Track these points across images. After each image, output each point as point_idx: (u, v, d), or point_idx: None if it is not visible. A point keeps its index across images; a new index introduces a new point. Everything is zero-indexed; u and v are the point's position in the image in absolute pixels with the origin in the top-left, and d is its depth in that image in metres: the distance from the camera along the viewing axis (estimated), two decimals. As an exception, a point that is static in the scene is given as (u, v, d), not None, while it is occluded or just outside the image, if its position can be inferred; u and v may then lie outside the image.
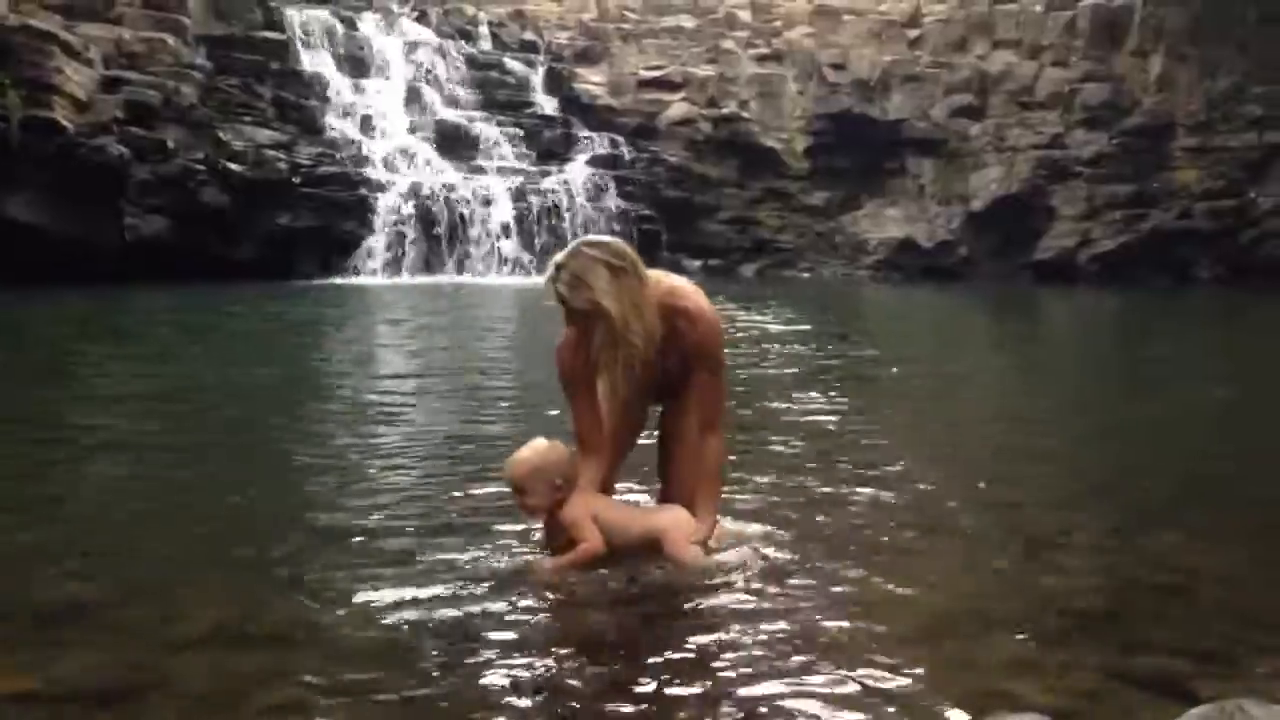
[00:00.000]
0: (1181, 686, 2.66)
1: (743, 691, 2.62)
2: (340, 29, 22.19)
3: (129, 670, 2.74)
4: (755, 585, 3.34)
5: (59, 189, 16.52)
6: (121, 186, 17.13)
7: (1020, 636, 3.00)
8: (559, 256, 3.51)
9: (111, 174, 16.95)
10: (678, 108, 23.58)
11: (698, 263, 22.64)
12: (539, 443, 3.57)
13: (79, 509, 4.32)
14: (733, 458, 4.88)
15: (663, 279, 3.65)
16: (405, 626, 3.01)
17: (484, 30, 24.32)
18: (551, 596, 3.29)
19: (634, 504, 3.88)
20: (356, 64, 21.96)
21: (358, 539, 3.78)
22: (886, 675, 2.71)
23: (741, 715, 2.51)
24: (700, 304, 3.63)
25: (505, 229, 20.22)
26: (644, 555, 3.48)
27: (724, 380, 3.74)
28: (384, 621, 3.04)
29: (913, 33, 23.89)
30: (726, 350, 3.82)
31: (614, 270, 3.46)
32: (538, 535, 3.69)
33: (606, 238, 3.67)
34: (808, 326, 12.15)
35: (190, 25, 19.47)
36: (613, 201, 21.54)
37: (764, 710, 2.53)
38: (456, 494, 4.36)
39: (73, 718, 2.52)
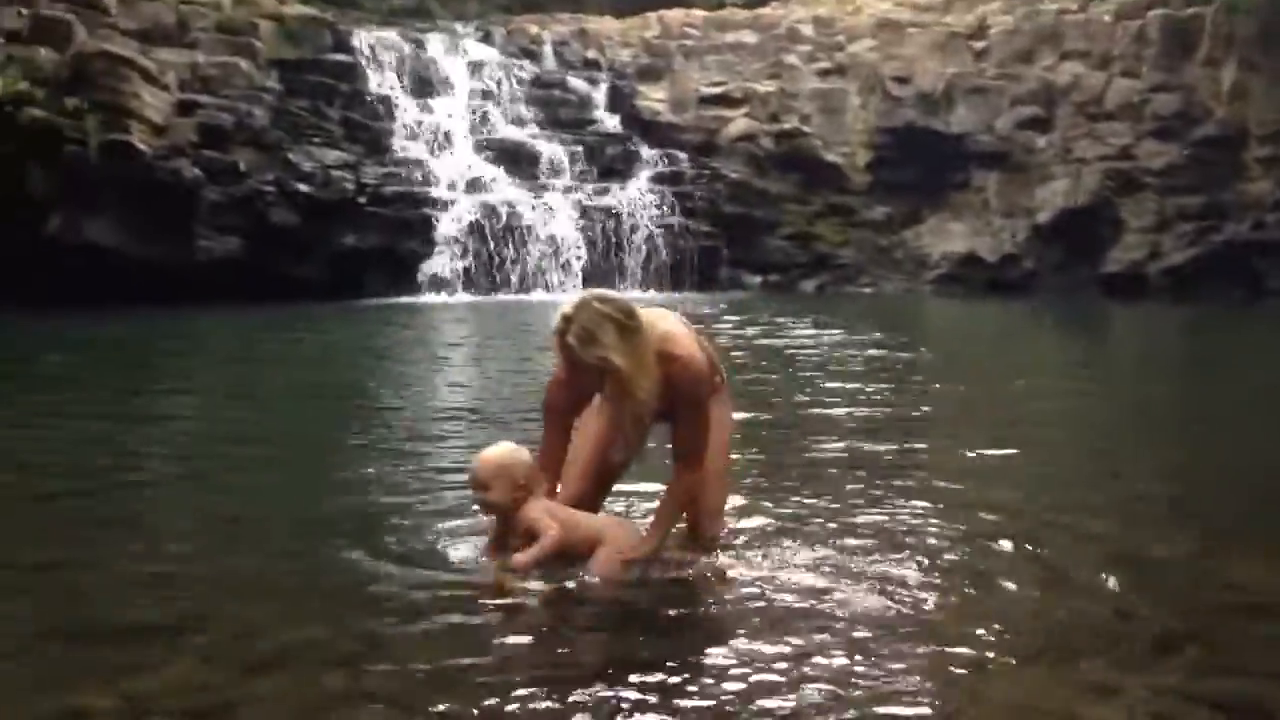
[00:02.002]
0: (1263, 709, 2.64)
1: None
2: (407, 50, 22.53)
3: (207, 689, 2.82)
4: (808, 613, 3.34)
5: (135, 211, 16.94)
6: (195, 208, 17.53)
7: (1099, 660, 2.98)
8: (566, 308, 3.64)
9: (186, 196, 17.36)
10: (739, 123, 23.58)
11: (758, 279, 22.59)
12: (505, 444, 3.81)
13: (148, 531, 4.43)
14: (786, 482, 4.90)
15: (656, 324, 3.76)
16: (483, 642, 3.06)
17: (547, 50, 24.53)
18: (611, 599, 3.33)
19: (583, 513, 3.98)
20: (422, 84, 22.25)
21: (426, 557, 3.84)
22: (962, 703, 2.70)
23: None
24: (691, 351, 3.79)
25: (567, 246, 20.37)
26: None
27: (704, 420, 3.81)
28: (461, 638, 3.10)
29: (978, 44, 23.68)
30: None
31: (623, 329, 3.59)
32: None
33: (614, 294, 3.78)
34: (883, 351, 12.06)
35: (262, 49, 19.88)
36: (673, 218, 21.60)
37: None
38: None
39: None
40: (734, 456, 5.39)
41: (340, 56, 20.99)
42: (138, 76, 17.39)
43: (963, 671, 2.88)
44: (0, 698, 2.75)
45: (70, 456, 5.87)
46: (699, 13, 25.99)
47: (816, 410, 7.29)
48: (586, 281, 20.12)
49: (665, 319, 3.84)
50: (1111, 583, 3.70)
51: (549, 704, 2.71)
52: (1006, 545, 4.07)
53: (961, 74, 23.19)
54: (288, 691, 2.80)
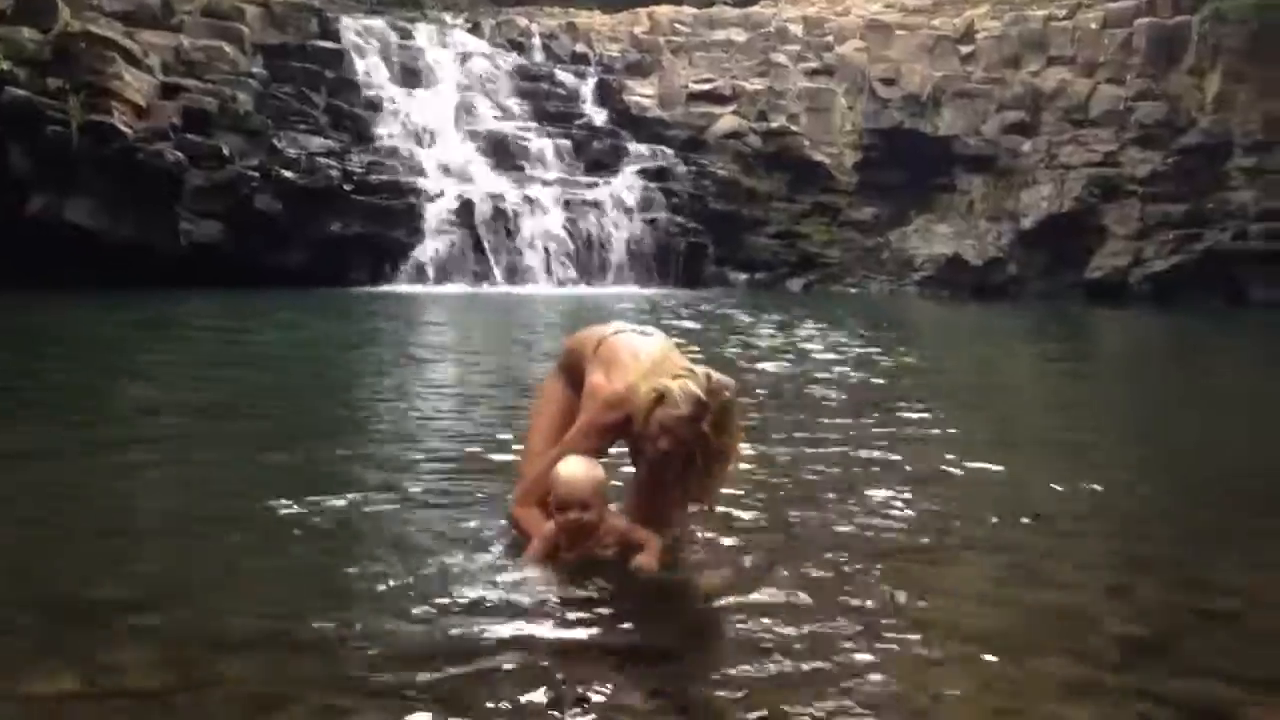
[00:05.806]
0: (1232, 714, 2.63)
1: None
2: (394, 39, 22.42)
3: (174, 670, 2.76)
4: (784, 609, 3.31)
5: (117, 194, 16.80)
6: (177, 192, 17.39)
7: (1071, 660, 2.96)
8: (700, 393, 3.41)
9: (168, 179, 17.22)
10: (727, 120, 23.58)
11: (744, 276, 22.58)
12: (579, 460, 3.57)
13: (109, 512, 4.33)
14: (748, 483, 4.87)
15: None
16: (453, 629, 3.02)
17: (536, 42, 24.47)
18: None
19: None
20: (409, 74, 22.16)
21: (397, 542, 3.79)
22: (926, 699, 2.68)
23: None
24: None
25: (553, 239, 20.30)
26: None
27: None
28: (432, 624, 3.05)
29: (965, 48, 23.75)
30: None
31: (738, 411, 3.58)
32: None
33: (717, 374, 3.56)
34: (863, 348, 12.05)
35: (248, 34, 19.75)
36: (660, 214, 21.56)
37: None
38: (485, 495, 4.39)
39: (119, 715, 2.54)
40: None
41: (326, 43, 20.90)
42: (120, 58, 17.25)
43: (922, 668, 2.85)
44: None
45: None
46: (689, 9, 26.01)
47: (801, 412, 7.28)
48: (568, 276, 20.10)
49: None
50: (1083, 582, 3.70)
51: (513, 686, 2.67)
52: (972, 540, 4.06)
53: (949, 77, 23.25)
54: (260, 672, 2.75)
